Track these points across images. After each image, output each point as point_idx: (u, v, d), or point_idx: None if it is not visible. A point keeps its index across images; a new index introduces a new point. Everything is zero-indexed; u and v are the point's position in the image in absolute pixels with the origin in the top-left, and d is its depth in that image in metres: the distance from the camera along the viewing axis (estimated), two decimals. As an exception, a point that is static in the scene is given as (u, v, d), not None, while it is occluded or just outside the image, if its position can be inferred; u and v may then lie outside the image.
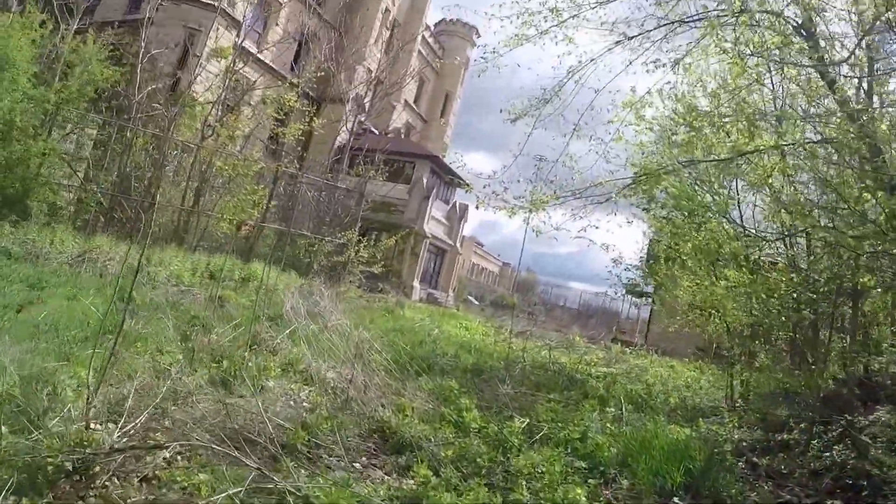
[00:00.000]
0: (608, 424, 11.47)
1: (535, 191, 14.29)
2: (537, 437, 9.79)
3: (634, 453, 9.43)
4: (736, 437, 13.50)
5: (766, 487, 10.27)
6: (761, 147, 12.00)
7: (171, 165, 26.62)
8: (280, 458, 7.28)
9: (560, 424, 10.63)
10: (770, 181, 14.07)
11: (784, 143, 11.77)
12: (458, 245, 59.58)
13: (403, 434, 8.79)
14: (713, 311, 17.88)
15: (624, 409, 12.73)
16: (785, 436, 13.12)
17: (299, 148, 42.30)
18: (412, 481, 7.50)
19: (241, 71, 37.21)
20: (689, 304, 19.28)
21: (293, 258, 28.68)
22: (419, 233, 50.94)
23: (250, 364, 10.11)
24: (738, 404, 16.68)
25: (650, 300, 30.67)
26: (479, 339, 21.65)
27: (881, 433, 12.49)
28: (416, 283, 50.77)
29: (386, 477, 7.82)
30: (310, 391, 10.28)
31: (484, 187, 14.45)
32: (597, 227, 14.75)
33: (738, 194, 17.11)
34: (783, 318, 15.35)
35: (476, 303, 65.51)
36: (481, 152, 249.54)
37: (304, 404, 9.67)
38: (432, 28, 71.32)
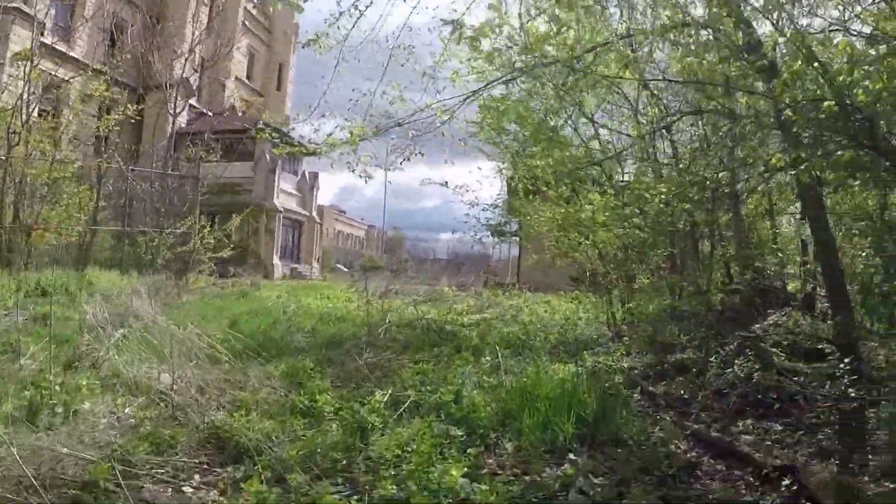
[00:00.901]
0: (485, 377, 10.14)
1: (353, 126, 12.46)
2: (404, 408, 8.29)
3: (517, 407, 8.05)
4: (626, 365, 12.37)
5: (668, 418, 9.10)
6: (610, 40, 10.51)
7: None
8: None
9: (430, 388, 9.20)
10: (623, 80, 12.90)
11: (637, 29, 10.30)
12: (314, 215, 57.98)
13: (240, 438, 7.14)
14: (582, 238, 16.85)
15: (501, 357, 11.30)
16: (679, 356, 12.05)
17: (130, 142, 39.59)
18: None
19: (47, 71, 34.35)
20: (555, 234, 18.21)
21: (136, 257, 26.76)
22: (270, 208, 49.08)
23: (57, 387, 8.27)
24: (622, 331, 15.65)
25: (517, 238, 29.65)
26: (341, 308, 20.06)
27: (782, 338, 11.57)
28: (276, 261, 49.00)
29: (220, 498, 6.14)
30: (137, 404, 8.59)
31: (309, 141, 12.87)
32: (452, 164, 13.32)
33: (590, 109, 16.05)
34: (657, 233, 14.26)
35: (345, 270, 63.90)
36: (331, 120, 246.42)
37: (132, 421, 7.94)
38: (256, -1, 68.78)
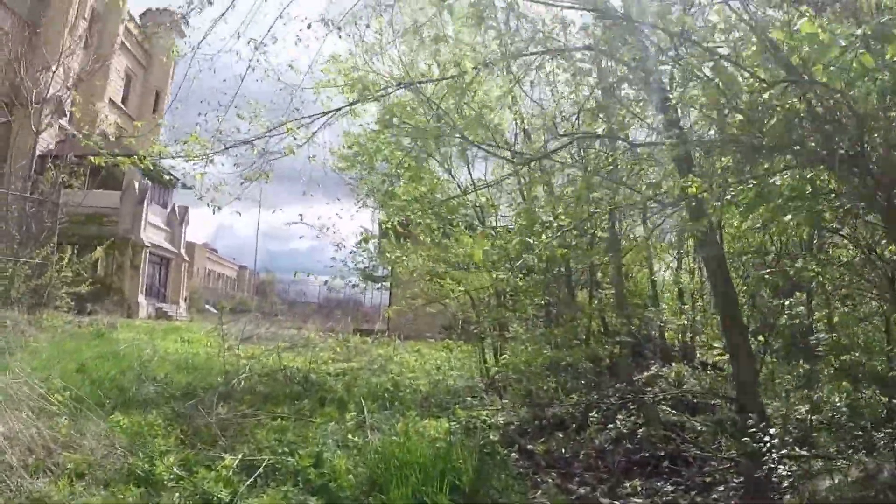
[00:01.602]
0: (349, 436, 9.30)
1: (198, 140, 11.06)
2: (257, 474, 7.37)
3: (384, 475, 7.21)
4: (501, 420, 11.64)
5: (550, 480, 8.38)
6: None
7: None
8: None
9: (287, 449, 8.31)
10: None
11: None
12: (182, 251, 56.03)
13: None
14: (453, 283, 16.20)
15: (367, 411, 10.48)
16: (557, 410, 11.40)
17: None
18: None
19: None
20: (425, 280, 17.57)
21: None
22: (137, 243, 46.96)
23: None
24: (496, 382, 14.96)
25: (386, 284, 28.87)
26: (202, 354, 18.87)
27: (663, 390, 11.04)
28: (141, 299, 46.90)
29: None
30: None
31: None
32: (327, 203, 12.45)
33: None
34: (533, 280, 13.72)
35: (214, 311, 61.88)
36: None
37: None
38: (137, 20, 66.30)
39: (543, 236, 10.69)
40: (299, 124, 10.53)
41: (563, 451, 9.61)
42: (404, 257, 17.06)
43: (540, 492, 7.83)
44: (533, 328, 14.73)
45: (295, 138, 10.63)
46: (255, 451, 8.33)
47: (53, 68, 43.22)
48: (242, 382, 13.52)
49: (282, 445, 8.56)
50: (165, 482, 7.02)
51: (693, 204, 7.88)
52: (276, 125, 10.54)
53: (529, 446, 9.87)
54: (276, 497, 6.44)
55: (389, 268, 20.43)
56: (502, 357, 15.32)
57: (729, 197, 6.99)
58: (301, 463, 7.64)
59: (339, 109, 10.86)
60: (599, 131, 10.07)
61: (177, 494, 6.69)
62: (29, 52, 42.28)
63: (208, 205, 11.44)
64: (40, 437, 7.89)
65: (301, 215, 16.56)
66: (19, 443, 7.50)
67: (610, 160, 10.24)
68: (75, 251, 28.51)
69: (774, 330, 10.00)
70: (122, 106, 62.54)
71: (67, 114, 48.05)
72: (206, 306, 66.15)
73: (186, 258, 57.69)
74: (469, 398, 14.02)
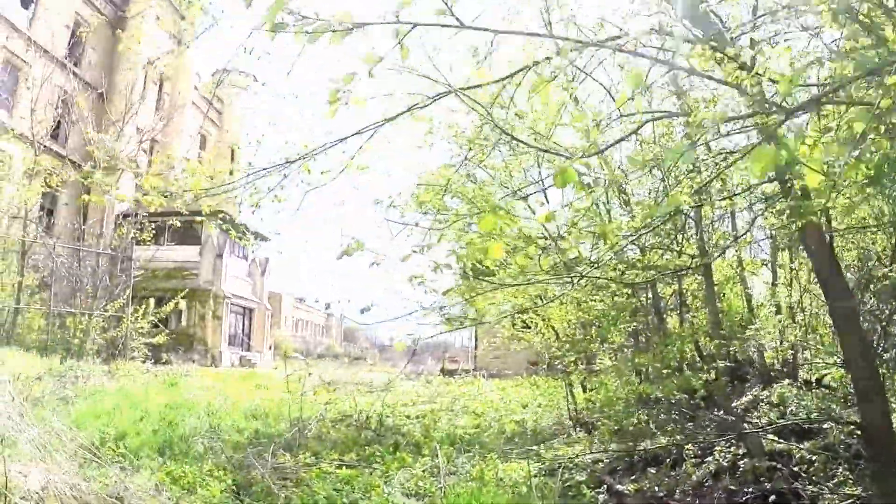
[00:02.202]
0: (420, 483, 8.43)
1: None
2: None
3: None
4: (589, 459, 10.63)
5: None
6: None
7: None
8: None
9: (347, 501, 7.47)
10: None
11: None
12: (264, 301, 55.84)
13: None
14: (536, 318, 15.34)
15: (441, 456, 9.56)
16: (649, 445, 10.33)
17: (76, 221, 37.72)
18: None
19: None
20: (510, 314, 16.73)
21: (64, 340, 24.61)
22: (217, 294, 47.01)
23: None
24: (583, 418, 13.96)
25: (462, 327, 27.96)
26: (275, 400, 18.17)
27: (768, 421, 9.85)
28: (224, 348, 46.76)
29: None
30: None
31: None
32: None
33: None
34: (618, 308, 12.75)
35: (301, 358, 61.76)
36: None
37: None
38: (207, 78, 67.19)
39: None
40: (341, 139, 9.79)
41: (657, 489, 8.54)
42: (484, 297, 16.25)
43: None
44: (621, 359, 13.70)
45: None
46: (310, 504, 7.52)
47: (120, 128, 43.66)
48: (312, 429, 12.79)
49: (342, 497, 7.73)
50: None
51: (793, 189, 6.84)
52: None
53: (619, 486, 8.83)
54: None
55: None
56: (590, 392, 14.37)
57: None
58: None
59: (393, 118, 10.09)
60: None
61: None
62: (98, 116, 42.75)
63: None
64: (76, 491, 7.20)
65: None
66: (53, 498, 6.83)
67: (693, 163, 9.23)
68: (153, 304, 28.30)
69: (887, 336, 8.83)
70: (197, 164, 62.32)
71: (142, 174, 47.90)
72: (295, 354, 65.99)
73: (269, 307, 57.41)
74: (555, 437, 13.08)
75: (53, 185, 29.18)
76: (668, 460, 9.50)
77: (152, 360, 26.65)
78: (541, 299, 14.34)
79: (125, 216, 36.68)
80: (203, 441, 11.14)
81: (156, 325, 27.20)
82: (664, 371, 11.57)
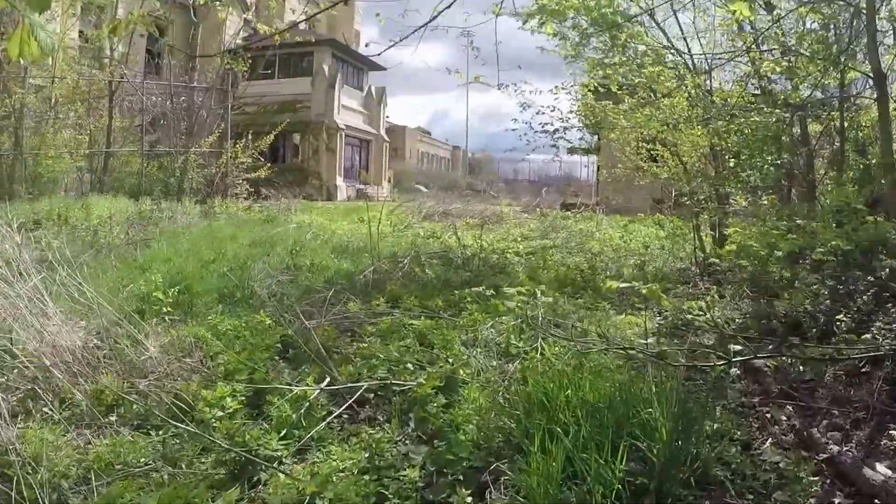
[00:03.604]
0: (512, 340, 6.91)
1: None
2: (343, 408, 5.15)
3: (523, 427, 4.68)
4: (717, 316, 8.86)
5: (786, 423, 5.56)
6: None
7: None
8: None
9: (410, 365, 6.02)
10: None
11: None
12: (382, 133, 54.76)
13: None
14: (662, 148, 14.03)
15: (540, 303, 7.90)
16: (792, 308, 8.46)
17: (184, 61, 36.93)
18: None
19: None
20: (631, 145, 15.19)
21: (164, 182, 24.19)
22: (331, 126, 46.12)
23: None
24: (712, 266, 12.12)
25: (585, 153, 26.09)
26: (372, 234, 16.77)
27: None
28: (339, 182, 46.13)
29: None
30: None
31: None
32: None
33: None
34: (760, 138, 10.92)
35: (424, 190, 61.04)
36: (424, 43, 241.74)
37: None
38: None
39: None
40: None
41: (801, 369, 6.72)
42: (609, 118, 14.49)
43: (769, 442, 5.14)
44: (761, 200, 11.85)
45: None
46: (367, 367, 6.07)
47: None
48: (405, 267, 11.39)
49: (406, 355, 6.27)
50: (209, 424, 4.87)
51: None
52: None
53: (756, 361, 6.99)
54: (345, 459, 4.20)
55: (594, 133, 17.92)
56: (720, 236, 12.65)
57: None
58: (421, 391, 5.31)
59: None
60: None
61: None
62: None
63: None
64: (86, 351, 5.98)
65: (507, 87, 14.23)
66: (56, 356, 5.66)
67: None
68: (251, 137, 27.08)
69: None
70: None
71: (252, 7, 47.25)
72: (417, 185, 65.41)
73: (387, 139, 56.29)
74: (679, 285, 11.38)
75: (138, 22, 27.59)
76: (814, 329, 7.67)
77: (256, 197, 25.68)
78: (668, 126, 12.69)
79: (232, 52, 35.62)
80: (271, 284, 9.83)
81: (258, 159, 26.09)
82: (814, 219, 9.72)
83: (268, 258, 12.20)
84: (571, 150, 21.72)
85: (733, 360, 6.29)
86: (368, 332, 7.37)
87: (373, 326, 7.60)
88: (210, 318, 7.71)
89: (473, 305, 8.41)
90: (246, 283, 9.80)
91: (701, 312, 8.37)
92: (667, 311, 8.71)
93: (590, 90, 14.47)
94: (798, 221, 9.47)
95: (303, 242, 14.08)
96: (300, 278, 10.73)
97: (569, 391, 4.74)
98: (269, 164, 27.68)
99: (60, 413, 5.11)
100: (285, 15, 55.31)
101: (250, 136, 26.28)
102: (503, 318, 7.73)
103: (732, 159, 12.66)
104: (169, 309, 8.03)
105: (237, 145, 25.60)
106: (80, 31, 29.73)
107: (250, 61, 32.50)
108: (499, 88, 13.71)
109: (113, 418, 5.14)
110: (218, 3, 38.15)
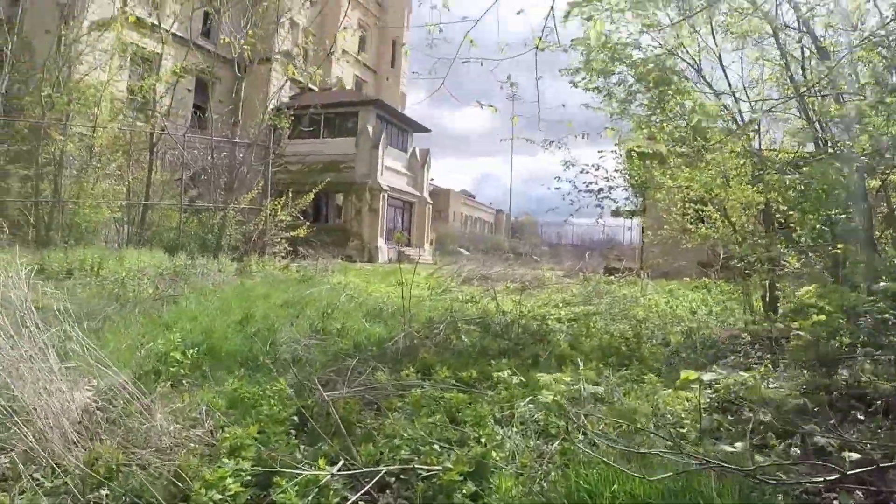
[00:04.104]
0: (551, 418, 6.34)
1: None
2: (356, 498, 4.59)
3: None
4: (773, 389, 8.16)
5: None
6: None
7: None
8: None
9: (437, 447, 5.43)
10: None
11: None
12: (425, 195, 54.52)
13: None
14: (711, 208, 13.65)
15: (584, 378, 7.37)
16: (856, 376, 7.78)
17: (230, 117, 37.12)
18: None
19: (136, 43, 32.51)
20: (677, 206, 14.69)
21: (201, 237, 23.81)
22: (374, 187, 46.04)
23: None
24: (764, 332, 11.47)
25: (630, 216, 25.51)
26: (409, 298, 16.21)
27: None
28: (380, 243, 45.83)
29: None
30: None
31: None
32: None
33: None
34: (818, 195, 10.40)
35: (466, 253, 60.68)
36: (469, 107, 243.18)
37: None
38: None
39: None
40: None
41: (870, 447, 5.99)
42: (655, 178, 13.98)
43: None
44: (815, 261, 11.26)
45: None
46: (390, 447, 5.51)
47: (283, 27, 42.83)
48: (441, 333, 10.85)
49: (435, 436, 5.71)
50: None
51: None
52: None
53: (819, 438, 6.30)
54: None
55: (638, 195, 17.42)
56: (773, 299, 12.13)
57: None
58: (447, 477, 4.75)
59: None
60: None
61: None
62: (258, 14, 41.96)
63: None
64: (87, 414, 5.58)
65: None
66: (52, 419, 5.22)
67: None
68: (291, 195, 26.78)
69: None
70: (357, 57, 63.87)
71: (298, 67, 48.29)
72: (458, 248, 65.17)
73: (430, 201, 56.11)
74: (730, 354, 10.71)
75: (178, 72, 27.89)
76: (878, 401, 7.00)
77: (294, 256, 25.29)
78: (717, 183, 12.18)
79: (278, 110, 35.71)
80: (297, 349, 9.34)
81: (298, 218, 25.77)
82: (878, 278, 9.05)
83: (298, 320, 11.77)
84: (615, 213, 21.26)
85: (789, 437, 5.68)
86: (395, 405, 6.80)
87: (400, 399, 7.03)
88: (227, 383, 7.24)
89: (512, 379, 7.84)
90: (271, 346, 9.36)
91: (753, 383, 7.75)
92: (718, 383, 8.08)
93: (635, 150, 14.02)
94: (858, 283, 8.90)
95: (336, 304, 13.60)
96: (329, 343, 10.25)
97: (615, 485, 4.18)
98: (309, 224, 27.31)
99: (52, 481, 4.72)
100: (332, 72, 55.95)
101: (290, 195, 25.93)
102: (542, 392, 7.16)
103: (782, 219, 12.13)
104: (186, 371, 7.76)
105: (277, 203, 25.11)
106: (128, 86, 30.09)
107: (293, 118, 32.69)
108: (543, 146, 13.42)
109: (104, 492, 4.62)
110: (276, 59, 38.79)
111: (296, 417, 6.33)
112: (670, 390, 7.68)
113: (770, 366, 9.13)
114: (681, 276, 23.06)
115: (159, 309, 12.02)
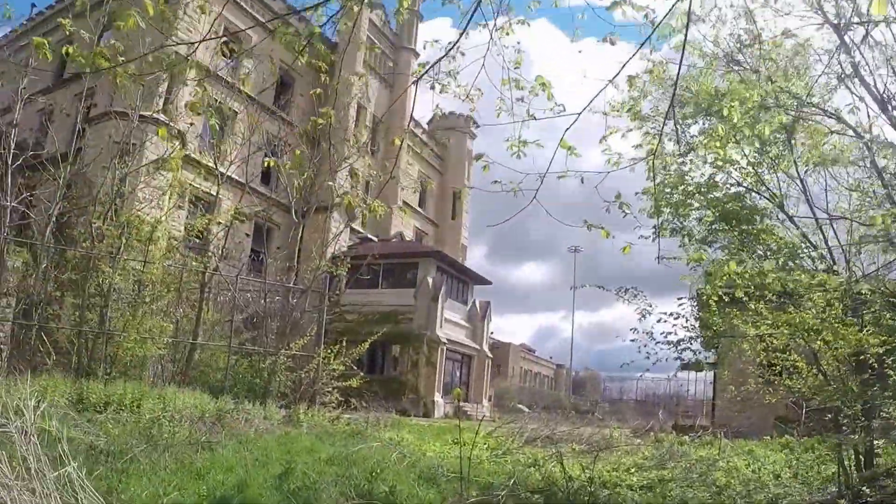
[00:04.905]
0: None
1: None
2: None
3: None
4: None
5: None
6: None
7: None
8: None
9: None
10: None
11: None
12: (485, 348, 53.30)
13: None
14: (795, 359, 12.39)
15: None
16: None
17: (289, 263, 37.02)
18: None
19: (193, 184, 32.70)
20: (763, 354, 13.57)
21: (249, 381, 22.82)
22: (432, 339, 45.02)
23: None
24: (863, 494, 10.11)
25: (711, 368, 24.21)
26: (468, 459, 14.91)
27: None
28: (437, 398, 44.35)
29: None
30: None
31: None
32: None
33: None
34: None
35: (525, 410, 59.22)
36: (531, 261, 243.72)
37: None
38: (424, 125, 67.18)
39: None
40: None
41: None
42: (736, 327, 12.85)
43: None
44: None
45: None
46: None
47: (344, 175, 43.42)
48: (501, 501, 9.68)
49: None
50: None
51: None
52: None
53: None
54: None
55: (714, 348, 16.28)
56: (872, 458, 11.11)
57: None
58: None
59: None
60: None
61: None
62: (317, 163, 42.56)
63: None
64: None
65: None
66: None
67: None
68: (344, 343, 25.87)
69: None
70: (419, 209, 64.48)
71: (357, 217, 49.17)
72: (518, 405, 63.86)
73: (489, 355, 54.96)
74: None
75: (234, 214, 27.96)
76: None
77: (346, 407, 24.24)
78: (808, 331, 11.03)
79: (335, 258, 35.39)
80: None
81: (352, 368, 24.80)
82: None
83: (343, 479, 10.69)
84: (685, 367, 20.07)
85: None
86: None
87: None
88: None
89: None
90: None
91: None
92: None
93: (714, 299, 12.95)
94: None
95: (386, 464, 12.47)
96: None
97: None
98: (363, 374, 26.26)
99: None
100: (392, 226, 56.12)
101: (345, 343, 25.00)
102: None
103: (875, 363, 10.91)
104: None
105: (331, 350, 24.18)
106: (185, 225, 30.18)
107: (350, 267, 32.32)
108: (617, 294, 12.63)
109: None
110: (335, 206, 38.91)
111: None
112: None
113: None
114: (759, 434, 21.65)
115: (193, 454, 11.05)
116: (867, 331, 10.13)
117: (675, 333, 13.18)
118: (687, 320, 13.45)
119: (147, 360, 21.14)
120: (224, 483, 8.80)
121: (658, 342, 13.17)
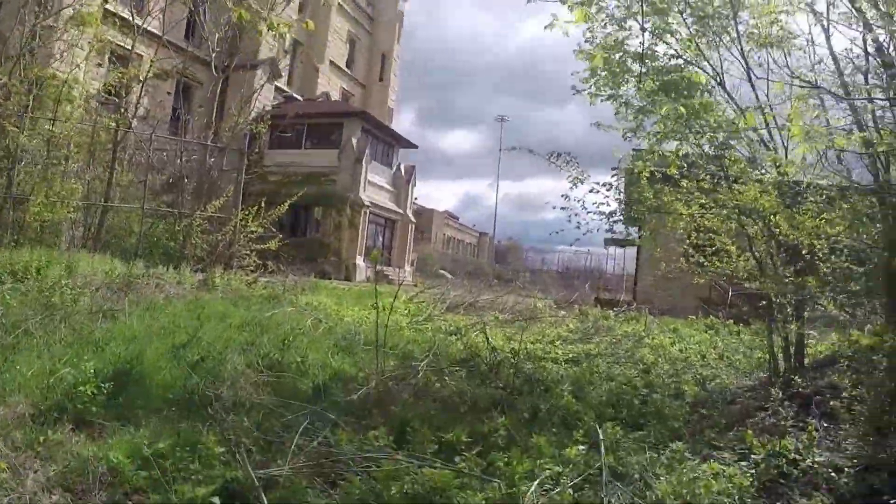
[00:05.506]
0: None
1: None
2: None
3: None
4: (819, 458, 6.49)
5: None
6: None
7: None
8: None
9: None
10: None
11: None
12: (409, 213, 52.79)
13: None
14: (725, 242, 12.21)
15: (603, 443, 5.73)
16: None
17: (211, 123, 35.70)
18: None
19: (114, 41, 30.93)
20: (692, 235, 13.09)
21: (165, 245, 22.28)
22: (355, 201, 44.39)
23: None
24: (794, 384, 9.79)
25: (645, 244, 23.98)
26: (387, 326, 14.24)
27: None
28: (359, 261, 43.98)
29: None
30: None
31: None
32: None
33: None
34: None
35: (448, 276, 59.29)
36: (459, 129, 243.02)
37: None
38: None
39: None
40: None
41: None
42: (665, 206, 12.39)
43: None
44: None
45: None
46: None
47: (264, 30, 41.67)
48: (420, 375, 9.14)
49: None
50: None
51: None
52: None
53: None
54: None
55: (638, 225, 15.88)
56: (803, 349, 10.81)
57: None
58: None
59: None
60: None
61: None
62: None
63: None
64: None
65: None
66: None
67: None
68: (265, 205, 24.97)
69: None
70: (346, 70, 62.93)
71: (283, 76, 48.73)
72: (441, 271, 64.02)
73: (413, 220, 54.48)
74: (757, 411, 9.07)
75: (151, 70, 26.67)
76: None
77: (264, 270, 23.51)
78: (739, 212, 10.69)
79: (260, 118, 34.18)
80: (245, 386, 7.63)
81: (270, 229, 23.98)
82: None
83: (253, 347, 10.10)
84: (612, 241, 19.64)
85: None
86: (357, 484, 5.02)
87: (365, 473, 5.26)
88: (142, 430, 5.57)
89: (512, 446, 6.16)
90: (213, 381, 7.64)
91: (799, 456, 6.19)
92: (756, 453, 6.46)
93: (645, 175, 12.48)
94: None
95: (301, 330, 11.91)
96: (285, 380, 8.50)
97: None
98: (283, 237, 25.39)
99: None
100: (318, 86, 54.70)
101: (263, 204, 24.10)
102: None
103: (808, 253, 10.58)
104: (98, 408, 6.30)
105: (249, 213, 23.31)
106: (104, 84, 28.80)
107: (273, 126, 31.32)
108: (549, 160, 12.04)
109: None
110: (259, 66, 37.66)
111: (221, 495, 4.64)
112: (698, 460, 6.07)
113: (813, 428, 7.41)
114: (682, 313, 21.59)
115: (93, 324, 10.27)
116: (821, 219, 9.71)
117: (608, 205, 12.74)
118: (620, 192, 13.04)
119: (60, 226, 20.19)
120: (122, 356, 8.07)
121: (590, 212, 12.70)
